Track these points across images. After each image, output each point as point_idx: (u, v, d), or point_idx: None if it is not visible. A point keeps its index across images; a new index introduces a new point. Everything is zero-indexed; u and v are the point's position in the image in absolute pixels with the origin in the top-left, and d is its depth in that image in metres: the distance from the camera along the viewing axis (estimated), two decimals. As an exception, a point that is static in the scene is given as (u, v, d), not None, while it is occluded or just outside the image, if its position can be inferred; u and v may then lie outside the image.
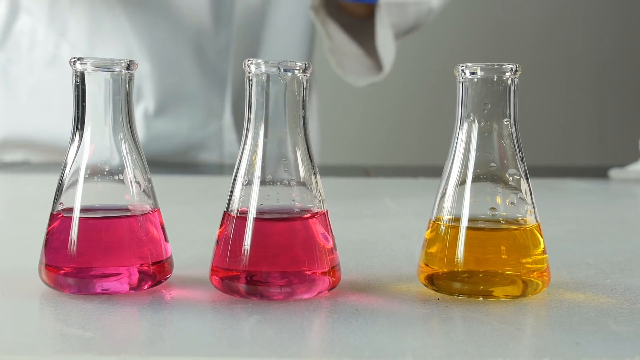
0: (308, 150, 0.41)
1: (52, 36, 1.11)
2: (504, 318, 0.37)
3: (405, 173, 1.01)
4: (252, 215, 0.40)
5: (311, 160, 0.41)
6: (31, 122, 1.13)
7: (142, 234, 0.41)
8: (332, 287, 0.41)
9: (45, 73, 1.12)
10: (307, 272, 0.40)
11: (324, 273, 0.40)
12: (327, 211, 0.42)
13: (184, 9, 1.11)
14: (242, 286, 0.40)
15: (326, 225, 0.41)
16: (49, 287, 0.41)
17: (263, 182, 0.40)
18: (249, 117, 0.41)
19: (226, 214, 0.41)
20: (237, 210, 0.40)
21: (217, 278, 0.40)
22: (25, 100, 1.13)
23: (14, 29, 1.10)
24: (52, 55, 1.12)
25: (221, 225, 0.41)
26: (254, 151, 0.40)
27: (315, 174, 0.41)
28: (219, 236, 0.41)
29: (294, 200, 0.41)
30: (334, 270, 0.41)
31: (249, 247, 0.40)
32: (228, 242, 0.40)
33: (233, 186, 0.41)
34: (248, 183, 0.40)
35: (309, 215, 0.41)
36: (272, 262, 0.40)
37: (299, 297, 0.40)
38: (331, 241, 0.41)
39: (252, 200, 0.40)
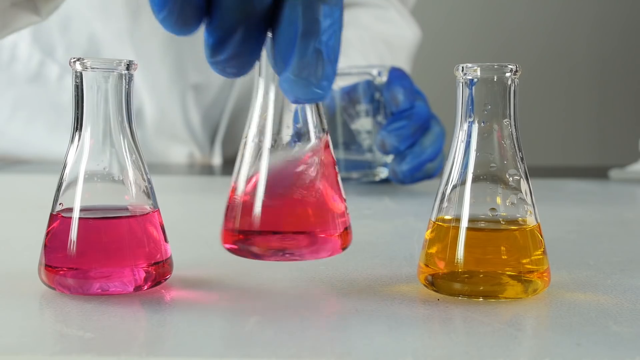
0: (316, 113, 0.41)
1: (37, 54, 1.09)
2: (504, 319, 0.37)
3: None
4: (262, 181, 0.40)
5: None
6: (12, 137, 1.12)
7: (141, 234, 0.41)
8: (344, 247, 0.42)
9: (27, 88, 1.11)
10: (321, 235, 0.41)
11: (336, 235, 0.41)
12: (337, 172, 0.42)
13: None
14: (255, 248, 0.40)
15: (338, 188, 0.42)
16: (48, 287, 0.41)
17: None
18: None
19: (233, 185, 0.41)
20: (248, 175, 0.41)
21: (230, 241, 0.41)
22: (7, 115, 1.12)
23: None
24: (35, 72, 1.10)
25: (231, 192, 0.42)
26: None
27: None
28: (229, 199, 0.42)
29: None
30: (346, 232, 0.42)
31: (260, 209, 0.40)
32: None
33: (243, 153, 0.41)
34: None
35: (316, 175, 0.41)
36: (283, 224, 0.40)
37: (312, 258, 0.41)
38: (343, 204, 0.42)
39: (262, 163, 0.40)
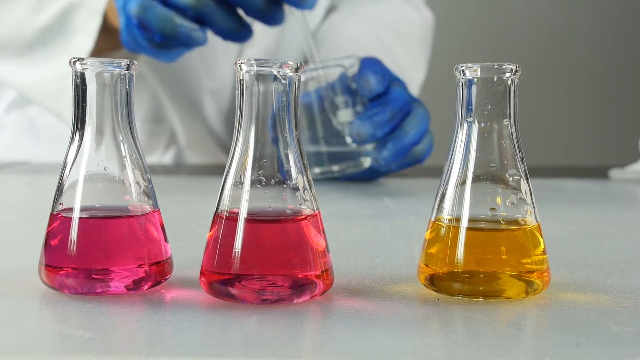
0: (300, 151, 0.41)
1: None
2: (504, 318, 0.37)
3: (405, 173, 1.01)
4: (242, 216, 0.39)
5: (303, 161, 0.41)
6: (8, 138, 1.11)
7: (142, 234, 0.41)
8: (324, 291, 0.41)
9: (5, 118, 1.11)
10: (300, 276, 0.39)
11: (317, 276, 0.40)
12: (319, 212, 0.41)
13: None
14: (232, 290, 0.39)
15: (318, 228, 0.41)
16: (48, 287, 0.41)
17: (253, 183, 0.39)
18: (240, 118, 0.40)
19: (216, 216, 0.41)
20: (227, 212, 0.40)
21: (205, 281, 0.40)
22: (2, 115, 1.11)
23: None
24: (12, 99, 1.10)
25: (211, 228, 0.41)
26: (244, 152, 0.40)
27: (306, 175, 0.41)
28: (209, 238, 0.40)
29: (285, 201, 0.40)
30: (326, 273, 0.40)
31: (239, 250, 0.39)
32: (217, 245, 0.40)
33: (223, 188, 0.40)
34: (238, 184, 0.40)
35: (301, 217, 0.40)
36: (263, 265, 0.39)
37: (290, 302, 0.39)
38: (324, 243, 0.41)
39: (242, 201, 0.39)
